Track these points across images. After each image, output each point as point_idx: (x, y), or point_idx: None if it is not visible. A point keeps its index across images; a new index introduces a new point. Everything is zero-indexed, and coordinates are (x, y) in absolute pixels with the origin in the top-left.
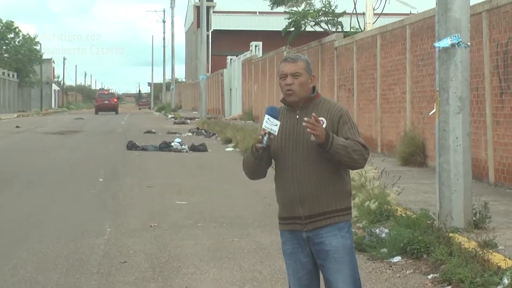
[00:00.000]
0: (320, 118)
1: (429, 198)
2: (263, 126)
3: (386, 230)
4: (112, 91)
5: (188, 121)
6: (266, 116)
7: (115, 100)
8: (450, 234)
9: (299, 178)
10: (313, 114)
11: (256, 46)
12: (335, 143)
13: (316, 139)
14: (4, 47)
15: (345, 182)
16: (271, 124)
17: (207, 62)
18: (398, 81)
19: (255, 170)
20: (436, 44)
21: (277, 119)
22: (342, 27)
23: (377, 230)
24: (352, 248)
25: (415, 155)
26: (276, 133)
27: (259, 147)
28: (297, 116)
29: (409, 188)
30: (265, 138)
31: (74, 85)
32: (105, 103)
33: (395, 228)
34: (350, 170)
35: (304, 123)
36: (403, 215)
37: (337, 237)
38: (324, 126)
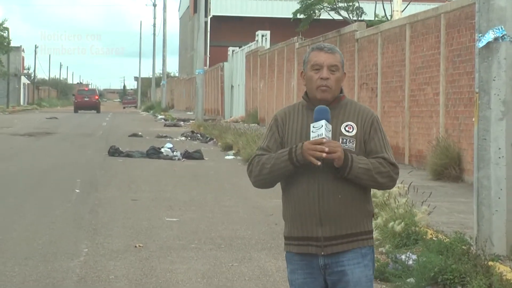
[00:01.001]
0: (349, 123)
1: (465, 220)
2: (323, 135)
3: (414, 257)
4: (93, 87)
5: (181, 123)
6: (324, 122)
7: (97, 97)
8: (490, 263)
9: (322, 192)
10: (349, 124)
11: (263, 35)
12: (355, 167)
13: (336, 162)
14: None
15: (369, 200)
16: (328, 132)
17: (205, 54)
18: (430, 80)
19: (277, 178)
20: (478, 44)
21: (322, 119)
22: (364, 15)
23: (403, 256)
24: (372, 280)
25: (449, 168)
26: (324, 135)
27: (314, 162)
28: (302, 119)
29: (441, 207)
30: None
31: (47, 78)
32: (85, 100)
33: (424, 254)
34: None
35: (325, 147)
36: (434, 239)
37: (360, 266)
38: (353, 133)
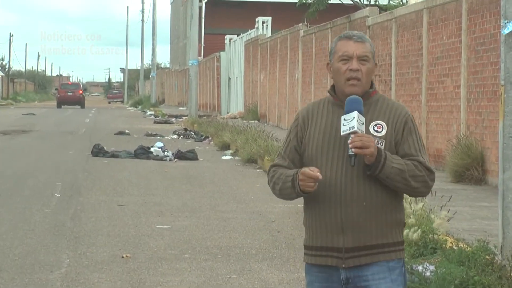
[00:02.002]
0: (379, 122)
1: (489, 226)
2: (355, 128)
3: (432, 267)
4: (77, 81)
5: (173, 119)
6: (356, 113)
7: (81, 92)
8: None
9: (344, 198)
10: (379, 123)
11: (263, 22)
12: (387, 165)
13: (367, 159)
14: None
15: (400, 208)
16: (361, 124)
17: (199, 42)
18: (451, 71)
19: (290, 198)
20: (504, 31)
21: (354, 110)
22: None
23: (420, 267)
24: None
25: (471, 169)
26: (355, 128)
27: (308, 191)
28: (329, 115)
29: (462, 212)
30: (351, 153)
31: (23, 70)
32: (68, 95)
33: (443, 265)
34: None
35: (349, 141)
36: (454, 247)
37: (386, 282)
38: (383, 133)
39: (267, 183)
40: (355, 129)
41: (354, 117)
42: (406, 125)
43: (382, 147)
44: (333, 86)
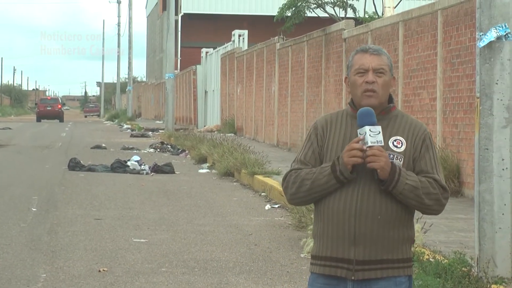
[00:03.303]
0: (398, 138)
1: (465, 238)
2: (369, 143)
3: None
4: (55, 96)
5: (150, 133)
6: (367, 128)
7: (60, 106)
8: (493, 286)
9: (360, 211)
10: (398, 138)
11: (240, 35)
12: (401, 182)
13: (379, 173)
14: None
15: (411, 225)
16: (375, 136)
17: (176, 56)
18: (426, 83)
19: (317, 196)
20: (479, 43)
21: (376, 123)
22: (354, 11)
23: None
24: None
25: (447, 181)
26: (383, 143)
27: (348, 170)
28: (347, 128)
29: (438, 224)
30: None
31: None
32: (48, 109)
33: (420, 277)
34: None
35: (367, 154)
36: (431, 260)
37: None
38: (402, 148)
39: (283, 188)
40: (369, 144)
41: (366, 132)
42: (424, 142)
43: (401, 163)
44: (352, 99)
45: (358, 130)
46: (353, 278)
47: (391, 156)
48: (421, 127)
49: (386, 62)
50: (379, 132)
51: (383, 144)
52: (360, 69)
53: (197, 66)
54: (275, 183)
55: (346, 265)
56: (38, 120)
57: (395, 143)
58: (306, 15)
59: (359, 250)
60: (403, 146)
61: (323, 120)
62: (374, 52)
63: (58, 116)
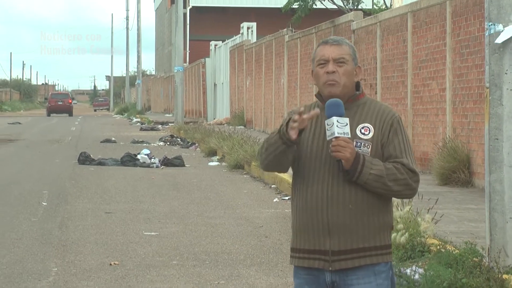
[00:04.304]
0: (365, 125)
1: (476, 228)
2: (336, 134)
3: (421, 270)
4: (66, 91)
5: (159, 126)
6: (334, 119)
7: (70, 101)
8: (504, 276)
9: (331, 201)
10: (365, 125)
11: (248, 28)
12: (365, 172)
13: (344, 164)
14: None
15: (388, 211)
16: (342, 127)
17: (184, 49)
18: (436, 74)
19: (277, 156)
20: (497, 40)
21: (344, 115)
22: (361, 3)
23: (408, 270)
24: None
25: (458, 172)
26: (350, 135)
27: (291, 134)
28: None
29: (449, 214)
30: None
31: (8, 79)
32: (59, 104)
33: (432, 268)
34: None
35: (332, 144)
36: (442, 250)
37: (371, 286)
38: (369, 135)
39: (257, 156)
40: (336, 134)
41: (333, 123)
42: (392, 126)
43: (369, 150)
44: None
45: (326, 121)
46: (330, 269)
47: (359, 143)
48: (389, 112)
49: (348, 51)
50: (347, 124)
51: (349, 136)
52: (321, 60)
53: (206, 59)
54: (285, 175)
55: (323, 256)
56: (48, 114)
57: (362, 130)
58: (314, 7)
59: (334, 240)
60: (370, 133)
61: (296, 110)
62: (334, 43)
63: (68, 110)
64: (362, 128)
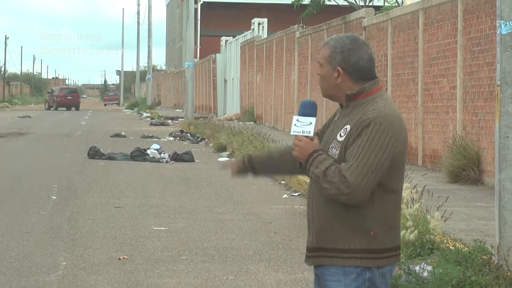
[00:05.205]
0: (346, 127)
1: (486, 226)
2: (291, 132)
3: (429, 268)
4: (75, 86)
5: (169, 121)
6: (295, 118)
7: (78, 95)
8: None
9: (311, 200)
10: (346, 127)
11: (259, 24)
12: (310, 170)
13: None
14: None
15: (362, 216)
16: (302, 126)
17: (195, 44)
18: (446, 72)
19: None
20: (503, 30)
21: (312, 115)
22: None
23: (417, 268)
24: None
25: (468, 170)
26: (311, 134)
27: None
28: (335, 118)
29: (459, 212)
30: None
31: (19, 73)
32: (68, 98)
33: (440, 265)
34: (382, 197)
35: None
36: (451, 248)
37: (340, 285)
38: (343, 138)
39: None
40: (291, 133)
41: (293, 122)
42: (358, 129)
43: (337, 152)
44: None
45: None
46: (307, 264)
47: (333, 145)
48: (369, 114)
49: (324, 54)
50: (310, 123)
51: (310, 134)
52: None
53: (217, 54)
54: None
55: (308, 253)
56: (56, 108)
57: (341, 133)
58: (324, 3)
59: (312, 237)
60: (345, 135)
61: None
62: (324, 45)
63: (75, 104)
64: (342, 130)
